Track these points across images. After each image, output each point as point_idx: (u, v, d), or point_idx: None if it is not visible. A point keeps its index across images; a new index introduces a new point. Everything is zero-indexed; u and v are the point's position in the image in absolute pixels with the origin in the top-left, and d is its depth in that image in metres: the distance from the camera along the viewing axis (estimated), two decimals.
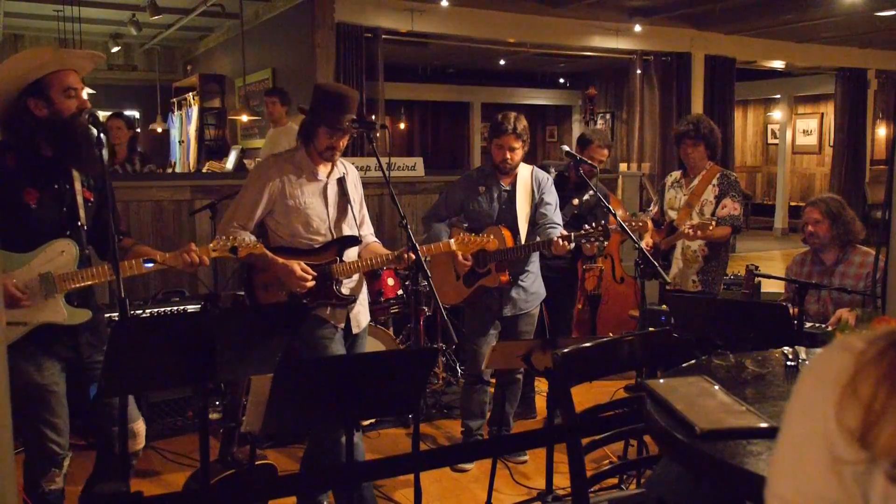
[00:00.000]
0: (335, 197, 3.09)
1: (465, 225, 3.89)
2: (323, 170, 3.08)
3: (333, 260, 3.02)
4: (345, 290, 3.07)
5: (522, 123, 3.66)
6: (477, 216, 3.76)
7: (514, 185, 3.74)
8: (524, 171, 3.76)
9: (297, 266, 2.92)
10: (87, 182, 2.65)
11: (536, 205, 3.73)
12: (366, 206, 3.30)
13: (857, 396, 0.74)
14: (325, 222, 3.05)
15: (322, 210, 3.05)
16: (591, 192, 4.24)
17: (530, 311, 3.82)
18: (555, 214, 3.74)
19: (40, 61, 2.47)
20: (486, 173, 3.80)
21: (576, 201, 4.32)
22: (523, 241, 3.65)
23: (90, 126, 2.46)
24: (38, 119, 2.47)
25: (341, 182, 3.12)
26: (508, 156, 3.66)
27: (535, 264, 3.83)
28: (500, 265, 3.64)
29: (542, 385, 4.61)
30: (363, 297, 3.23)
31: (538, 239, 3.63)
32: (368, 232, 3.28)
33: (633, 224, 3.80)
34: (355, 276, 3.13)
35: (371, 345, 4.20)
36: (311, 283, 2.95)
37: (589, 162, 4.13)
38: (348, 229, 3.11)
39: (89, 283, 2.55)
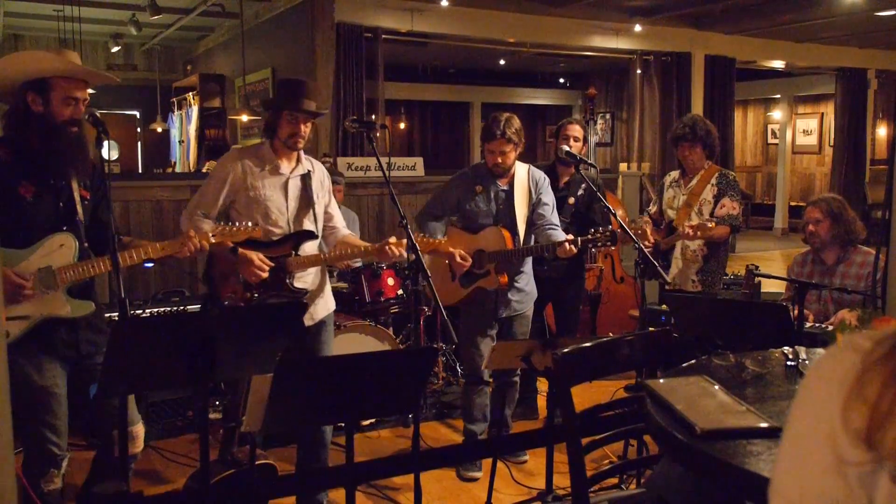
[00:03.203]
0: (296, 191, 3.16)
1: (459, 225, 3.85)
2: (286, 164, 3.15)
3: (289, 253, 3.08)
4: (298, 284, 3.13)
5: (513, 126, 3.59)
6: (474, 216, 3.72)
7: (511, 184, 3.70)
8: (521, 171, 3.72)
9: (255, 256, 2.98)
10: (84, 182, 2.66)
11: (534, 205, 3.70)
12: (335, 201, 3.37)
13: (864, 397, 0.73)
14: (283, 215, 3.11)
15: (282, 203, 3.11)
16: (583, 185, 4.22)
17: (525, 312, 3.79)
18: (552, 215, 3.71)
19: (55, 66, 2.50)
20: (483, 172, 3.74)
21: (571, 200, 4.29)
22: (522, 242, 3.64)
23: (81, 134, 2.52)
24: (32, 113, 2.50)
25: (305, 178, 3.18)
26: (500, 160, 3.61)
27: (528, 265, 3.80)
28: (499, 267, 3.59)
29: (542, 385, 4.61)
30: (325, 290, 3.28)
31: (538, 240, 3.60)
32: (340, 225, 3.35)
33: (634, 229, 3.78)
34: (312, 270, 3.18)
35: (371, 345, 4.20)
36: (265, 274, 3.00)
37: (589, 161, 4.12)
38: (309, 224, 3.17)
39: (89, 275, 2.57)
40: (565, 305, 4.39)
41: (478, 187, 3.73)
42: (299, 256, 3.10)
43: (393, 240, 3.08)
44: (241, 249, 2.99)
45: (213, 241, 2.81)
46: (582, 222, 4.22)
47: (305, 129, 3.09)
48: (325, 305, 3.27)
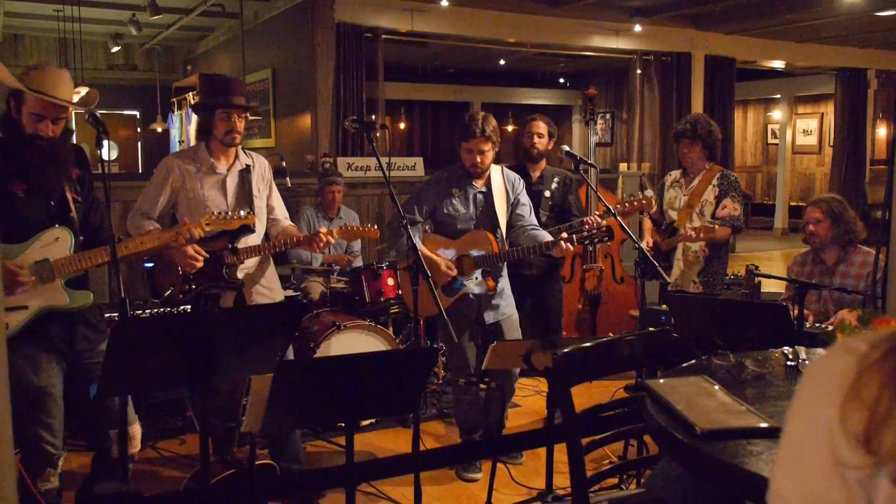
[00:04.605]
0: (235, 188, 3.26)
1: (435, 231, 3.79)
2: (223, 163, 3.25)
3: (225, 246, 3.17)
4: (238, 275, 3.22)
5: (491, 124, 3.55)
6: (451, 220, 3.63)
7: (488, 186, 3.63)
8: (495, 172, 3.67)
9: (190, 247, 3.06)
10: (74, 186, 2.69)
11: (513, 205, 3.66)
12: (277, 193, 3.45)
13: (861, 400, 0.73)
14: (223, 212, 3.22)
15: (221, 201, 3.22)
16: (556, 178, 4.24)
17: (511, 315, 3.74)
18: (531, 216, 3.68)
19: (27, 81, 2.52)
20: (458, 174, 3.66)
21: (547, 193, 4.27)
22: (505, 245, 3.59)
23: (52, 148, 2.56)
24: (10, 119, 2.57)
25: (244, 174, 3.28)
26: (479, 159, 3.54)
27: (504, 268, 3.75)
28: (486, 271, 3.55)
29: (541, 385, 4.61)
30: (269, 281, 3.37)
31: (520, 242, 3.53)
32: (283, 216, 3.45)
33: (636, 203, 3.75)
34: (250, 262, 3.27)
35: (371, 345, 4.20)
36: (199, 263, 3.08)
37: (589, 161, 4.12)
38: None
39: (86, 266, 2.60)
40: (546, 303, 4.36)
41: (454, 190, 3.65)
42: (237, 249, 3.20)
43: (323, 230, 3.20)
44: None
45: (208, 229, 2.93)
46: (559, 215, 4.22)
47: (240, 124, 3.20)
48: (268, 295, 3.36)
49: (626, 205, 3.80)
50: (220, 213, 3.00)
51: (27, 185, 2.56)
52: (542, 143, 4.26)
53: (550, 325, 4.40)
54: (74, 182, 2.71)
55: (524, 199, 3.70)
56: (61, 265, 2.56)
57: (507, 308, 3.73)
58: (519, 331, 3.80)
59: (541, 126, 4.28)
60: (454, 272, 3.55)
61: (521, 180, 3.76)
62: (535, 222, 3.67)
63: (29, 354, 2.50)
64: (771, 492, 0.80)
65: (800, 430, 0.79)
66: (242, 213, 3.04)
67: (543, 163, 4.30)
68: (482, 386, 3.85)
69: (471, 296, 3.61)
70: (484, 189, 3.65)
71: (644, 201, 3.78)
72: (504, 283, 3.73)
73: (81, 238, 2.67)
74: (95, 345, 2.68)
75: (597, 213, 3.82)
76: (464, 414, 3.79)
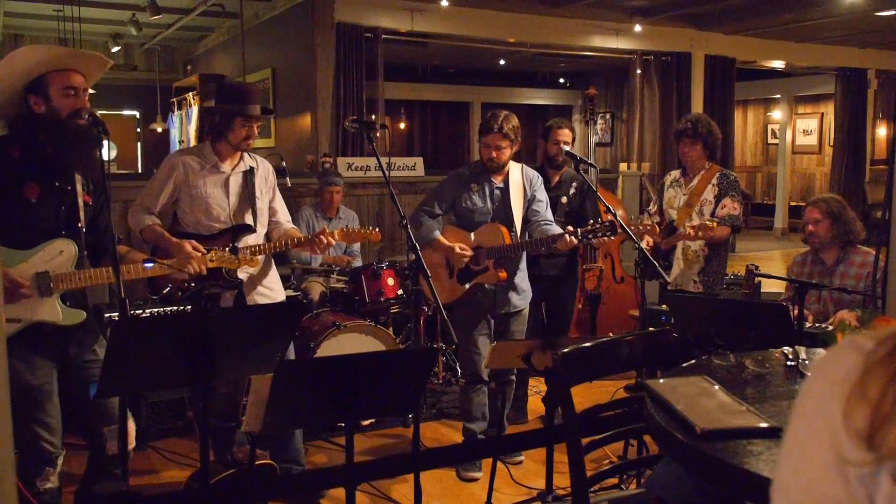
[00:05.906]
0: (238, 188, 3.29)
1: (455, 224, 3.86)
2: (228, 163, 3.29)
3: (226, 246, 3.18)
4: (239, 275, 3.24)
5: (511, 123, 3.65)
6: (470, 213, 3.74)
7: (506, 182, 3.74)
8: (514, 170, 3.77)
9: (189, 245, 3.06)
10: (87, 187, 2.68)
11: (529, 201, 3.73)
12: (280, 196, 3.49)
13: (866, 397, 0.73)
14: (224, 211, 3.25)
15: (223, 200, 3.25)
16: (574, 184, 4.26)
17: (522, 310, 3.80)
18: (546, 212, 3.75)
19: (42, 57, 2.50)
20: (478, 170, 3.78)
21: (564, 199, 4.29)
22: (518, 239, 3.65)
23: (90, 127, 2.49)
24: (37, 116, 2.51)
25: (248, 175, 3.31)
26: (495, 154, 3.66)
27: (523, 263, 3.82)
28: (497, 262, 3.62)
29: (541, 385, 4.61)
30: (270, 281, 3.39)
31: (534, 236, 3.59)
32: (285, 220, 3.49)
33: (641, 227, 3.77)
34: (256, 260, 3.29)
35: (371, 345, 4.20)
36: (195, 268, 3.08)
37: (589, 161, 4.12)
38: (249, 219, 3.30)
39: (85, 285, 2.58)
40: (560, 303, 4.39)
41: (473, 185, 3.75)
42: (236, 248, 3.20)
43: (326, 230, 3.24)
44: (175, 240, 3.12)
45: (212, 265, 2.96)
46: (576, 221, 4.23)
47: (256, 131, 3.26)
48: (269, 296, 3.37)
49: (632, 227, 3.80)
50: (225, 252, 3.02)
51: (41, 187, 2.52)
52: (566, 147, 4.28)
53: (563, 325, 4.43)
54: (89, 181, 2.69)
55: (540, 195, 3.77)
56: (61, 281, 2.52)
57: (519, 302, 3.78)
58: (524, 327, 3.84)
59: (566, 134, 4.31)
60: (469, 253, 3.62)
61: (540, 178, 3.84)
62: (550, 218, 3.74)
63: (22, 355, 2.49)
64: (774, 488, 0.81)
65: (804, 425, 0.80)
66: (249, 253, 3.08)
67: (564, 168, 4.32)
68: (486, 388, 3.87)
69: (486, 286, 3.67)
70: (502, 185, 3.74)
71: (649, 226, 3.81)
72: (520, 278, 3.78)
73: (86, 252, 2.65)
74: (89, 347, 2.67)
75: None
76: (467, 408, 3.83)
